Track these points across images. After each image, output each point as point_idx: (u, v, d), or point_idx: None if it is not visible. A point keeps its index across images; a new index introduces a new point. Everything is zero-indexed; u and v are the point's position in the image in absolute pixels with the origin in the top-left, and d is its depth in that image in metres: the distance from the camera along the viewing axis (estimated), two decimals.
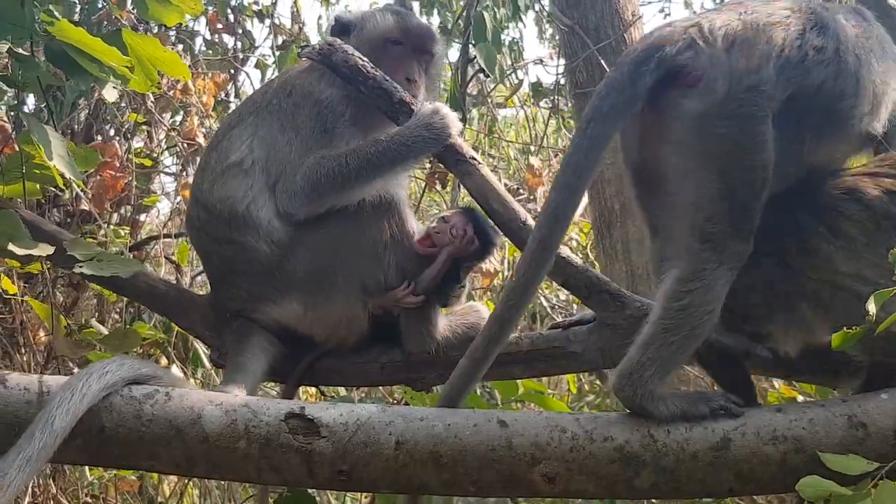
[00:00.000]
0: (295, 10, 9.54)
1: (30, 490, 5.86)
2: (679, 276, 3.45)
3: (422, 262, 4.20)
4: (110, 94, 4.73)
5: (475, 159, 4.06)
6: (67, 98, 7.84)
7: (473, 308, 4.34)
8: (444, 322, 4.23)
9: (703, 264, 3.42)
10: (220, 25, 9.07)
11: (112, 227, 7.53)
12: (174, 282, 5.26)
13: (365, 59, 4.02)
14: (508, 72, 9.01)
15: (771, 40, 3.43)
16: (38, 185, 4.44)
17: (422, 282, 4.19)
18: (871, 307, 3.10)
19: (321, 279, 4.09)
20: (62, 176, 4.08)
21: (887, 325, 3.16)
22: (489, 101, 9.77)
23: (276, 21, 9.26)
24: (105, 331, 4.50)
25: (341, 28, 4.39)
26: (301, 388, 5.04)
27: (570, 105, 8.43)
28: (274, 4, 9.38)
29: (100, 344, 4.40)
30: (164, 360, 6.70)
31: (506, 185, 9.59)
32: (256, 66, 9.06)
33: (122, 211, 7.82)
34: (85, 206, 7.14)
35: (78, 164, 4.25)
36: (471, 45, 7.06)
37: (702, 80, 3.38)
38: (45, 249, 3.84)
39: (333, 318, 4.14)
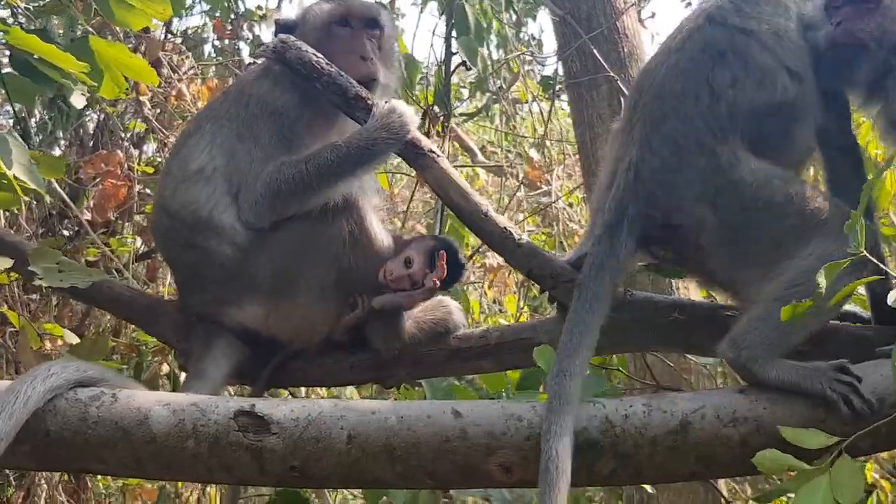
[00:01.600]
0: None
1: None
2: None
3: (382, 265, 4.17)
4: (78, 100, 4.76)
5: (434, 152, 4.04)
6: (73, 109, 7.95)
7: (442, 303, 4.29)
8: (412, 318, 4.18)
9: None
10: (227, 31, 9.10)
11: (119, 236, 7.61)
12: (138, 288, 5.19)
13: (319, 55, 4.01)
14: (500, 64, 8.99)
15: None
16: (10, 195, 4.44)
17: (378, 303, 4.15)
18: (822, 280, 3.04)
19: (283, 281, 4.06)
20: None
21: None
22: (506, 96, 9.78)
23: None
24: (76, 339, 4.48)
25: (284, 30, 4.28)
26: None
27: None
28: (278, 7, 9.36)
29: (69, 354, 4.40)
30: (165, 367, 6.74)
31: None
32: None
33: (134, 219, 7.91)
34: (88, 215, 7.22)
35: (42, 172, 4.24)
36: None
37: None
38: (4, 263, 3.85)
39: (297, 320, 4.11)
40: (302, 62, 3.97)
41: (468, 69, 7.49)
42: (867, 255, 3.05)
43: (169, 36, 9.14)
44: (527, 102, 10.96)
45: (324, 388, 6.46)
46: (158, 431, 3.29)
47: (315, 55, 3.99)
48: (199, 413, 3.31)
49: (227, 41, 9.40)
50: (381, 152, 4.07)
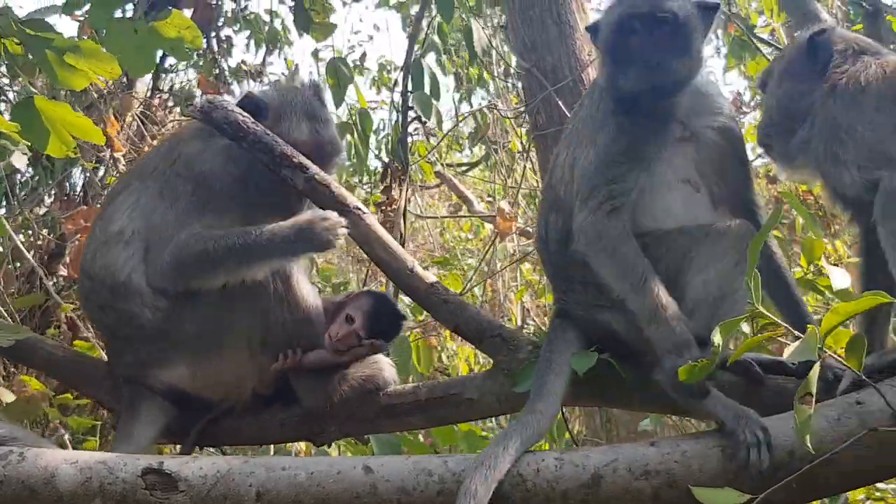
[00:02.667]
0: (287, 67, 9.68)
1: None
2: None
3: (310, 322, 4.18)
4: (19, 160, 4.80)
5: (360, 209, 4.07)
6: (56, 166, 8.03)
7: (373, 359, 4.28)
8: (342, 375, 4.17)
9: None
10: (211, 88, 9.15)
11: None
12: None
13: (246, 115, 4.06)
14: (462, 118, 9.08)
15: None
16: None
17: (310, 359, 4.17)
18: (717, 339, 3.04)
19: (207, 339, 4.07)
20: None
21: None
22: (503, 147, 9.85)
23: (271, 77, 9.28)
24: (11, 397, 4.48)
25: (254, 106, 4.27)
26: None
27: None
28: (263, 63, 9.44)
29: (2, 413, 4.40)
30: None
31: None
32: None
33: None
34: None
35: None
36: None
37: None
38: None
39: (222, 378, 4.12)
40: (228, 122, 4.02)
41: (423, 123, 7.55)
42: (761, 310, 3.06)
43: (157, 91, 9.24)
44: (519, 152, 11.04)
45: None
46: (65, 490, 3.29)
47: (242, 115, 4.04)
48: (106, 471, 3.32)
49: (211, 96, 9.46)
50: (295, 254, 4.08)
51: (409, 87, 7.10)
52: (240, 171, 4.19)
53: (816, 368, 3.02)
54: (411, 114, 7.18)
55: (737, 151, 4.10)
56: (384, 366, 4.25)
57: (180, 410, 4.17)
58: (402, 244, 7.02)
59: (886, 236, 3.61)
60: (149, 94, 9.20)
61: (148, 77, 9.08)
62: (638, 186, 3.81)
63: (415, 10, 7.66)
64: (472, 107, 9.35)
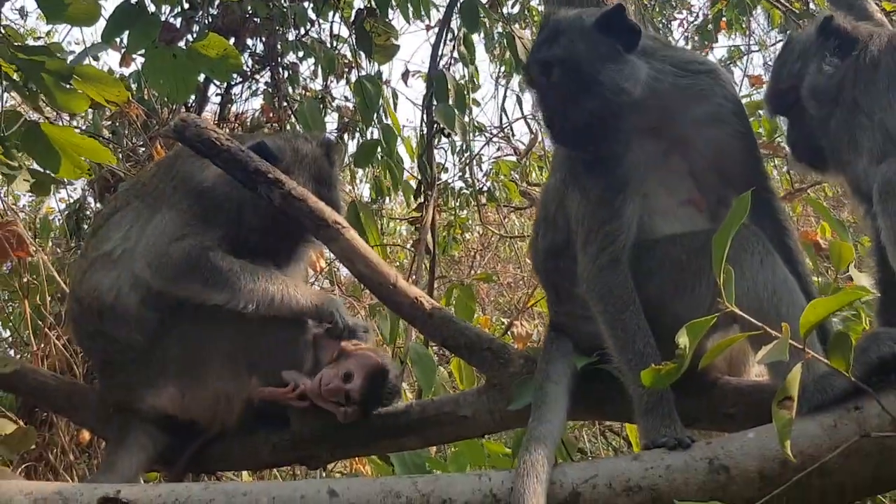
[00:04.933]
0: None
1: None
2: None
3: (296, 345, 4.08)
4: (21, 186, 4.80)
5: (339, 223, 3.93)
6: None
7: None
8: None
9: None
10: (272, 115, 9.12)
11: None
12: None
13: (220, 132, 3.96)
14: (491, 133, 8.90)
15: None
16: None
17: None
18: (682, 340, 2.82)
19: (193, 361, 3.99)
20: None
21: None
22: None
23: (337, 103, 9.21)
24: (11, 427, 4.43)
25: (266, 156, 4.07)
26: None
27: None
28: (326, 88, 9.35)
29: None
30: None
31: None
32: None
33: None
34: None
35: None
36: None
37: None
38: None
39: (210, 400, 4.02)
40: (200, 139, 3.91)
41: (447, 136, 7.41)
42: (734, 308, 2.83)
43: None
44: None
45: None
46: None
47: (215, 131, 3.94)
48: (61, 501, 3.22)
49: (274, 124, 9.46)
50: (296, 314, 4.03)
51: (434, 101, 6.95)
52: (239, 196, 4.11)
53: (798, 370, 2.79)
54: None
55: (738, 134, 3.86)
56: None
57: (171, 437, 4.09)
58: (432, 260, 6.89)
59: (886, 228, 3.36)
60: (216, 124, 9.25)
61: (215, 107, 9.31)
62: (635, 216, 3.68)
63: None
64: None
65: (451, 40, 7.63)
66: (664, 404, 3.43)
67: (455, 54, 7.91)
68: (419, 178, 7.25)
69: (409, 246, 7.49)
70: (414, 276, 6.62)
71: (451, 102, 6.87)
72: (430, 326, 3.92)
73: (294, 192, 3.91)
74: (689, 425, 3.82)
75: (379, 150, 7.00)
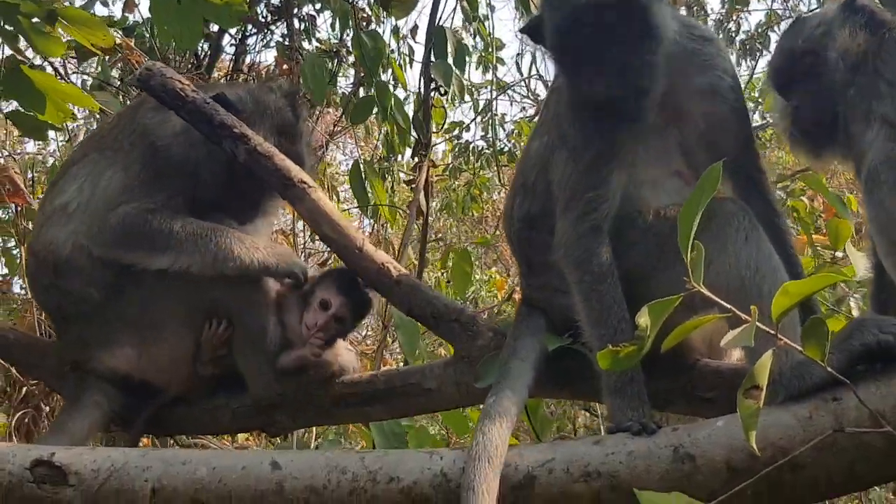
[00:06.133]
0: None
1: None
2: None
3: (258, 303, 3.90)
4: None
5: (305, 182, 3.76)
6: None
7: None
8: (292, 361, 3.88)
9: None
10: (285, 66, 8.96)
11: None
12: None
13: (186, 82, 3.79)
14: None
15: None
16: None
17: (285, 364, 3.91)
18: (642, 321, 2.63)
19: (149, 319, 3.86)
20: None
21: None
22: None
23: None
24: None
25: (224, 105, 3.90)
26: None
27: None
28: (340, 42, 9.14)
29: None
30: None
31: None
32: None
33: None
34: None
35: None
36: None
37: None
38: None
39: (166, 359, 3.89)
40: (165, 89, 3.75)
41: (443, 94, 7.19)
42: (701, 288, 2.63)
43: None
44: None
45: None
46: None
47: (181, 82, 3.77)
48: None
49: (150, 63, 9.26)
50: (246, 271, 3.84)
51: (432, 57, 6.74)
52: (196, 155, 3.96)
53: (768, 356, 2.59)
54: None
55: (733, 110, 3.67)
56: (341, 350, 3.97)
57: (127, 397, 3.95)
58: (425, 221, 6.72)
59: (871, 219, 3.17)
60: (228, 75, 9.13)
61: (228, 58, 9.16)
62: (620, 187, 3.48)
63: None
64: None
65: None
66: (634, 385, 3.26)
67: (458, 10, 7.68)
68: (416, 139, 7.05)
69: (404, 208, 7.30)
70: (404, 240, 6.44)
71: (450, 60, 6.64)
72: (397, 294, 3.77)
73: (259, 149, 3.75)
74: (663, 408, 3.68)
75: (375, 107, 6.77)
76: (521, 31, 3.81)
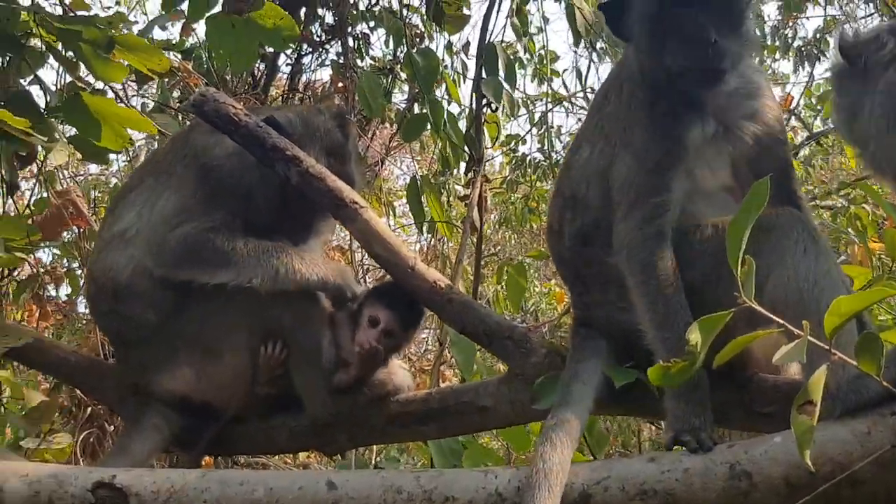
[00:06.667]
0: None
1: None
2: None
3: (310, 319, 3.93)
4: (59, 157, 4.76)
5: (356, 203, 3.79)
6: None
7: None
8: (347, 380, 3.91)
9: None
10: (340, 84, 9.03)
11: None
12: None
13: (239, 106, 3.83)
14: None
15: None
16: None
17: (338, 383, 3.93)
18: (693, 336, 2.61)
19: (208, 342, 3.90)
20: None
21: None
22: None
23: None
24: (39, 397, 4.41)
25: (276, 127, 3.93)
26: None
27: None
28: (395, 59, 9.19)
29: (20, 422, 4.33)
30: None
31: None
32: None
33: None
34: None
35: (6, 233, 4.35)
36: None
37: None
38: None
39: (225, 381, 3.92)
40: (219, 115, 3.79)
41: (493, 110, 7.19)
42: (752, 303, 2.61)
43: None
44: None
45: None
46: None
47: (234, 106, 3.81)
48: (55, 485, 3.15)
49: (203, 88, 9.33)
50: (302, 287, 3.88)
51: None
52: (249, 177, 4.01)
53: (822, 371, 2.57)
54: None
55: (776, 141, 3.71)
56: (395, 369, 3.99)
57: (186, 419, 4.00)
58: (480, 236, 6.72)
59: None
60: (284, 94, 9.23)
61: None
62: (680, 195, 3.50)
63: None
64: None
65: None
66: (698, 392, 3.24)
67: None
68: (469, 155, 7.05)
69: (458, 223, 7.31)
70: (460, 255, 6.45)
71: (500, 76, 6.66)
72: (449, 312, 3.78)
73: (312, 171, 3.78)
74: (720, 423, 3.64)
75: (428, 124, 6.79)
76: (600, 7, 3.86)
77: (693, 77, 3.49)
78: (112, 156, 6.96)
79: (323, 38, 9.09)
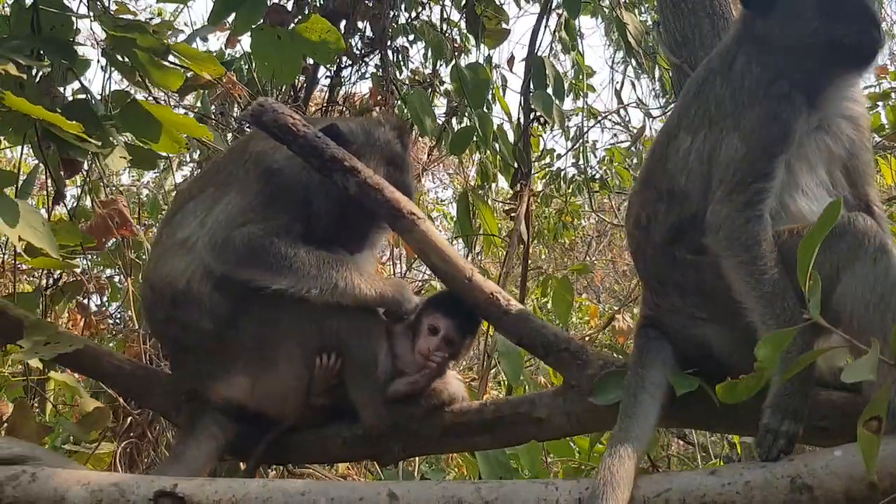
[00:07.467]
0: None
1: None
2: None
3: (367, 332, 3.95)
4: (117, 163, 4.80)
5: (414, 214, 3.82)
6: None
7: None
8: (405, 387, 3.93)
9: None
10: (379, 97, 9.09)
11: None
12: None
13: (297, 117, 3.87)
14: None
15: None
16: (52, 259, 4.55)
17: (394, 393, 3.95)
18: (762, 352, 2.62)
19: (265, 351, 3.91)
20: None
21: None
22: None
23: (445, 87, 9.09)
24: (94, 403, 4.44)
25: (337, 140, 3.97)
26: None
27: None
28: (434, 73, 9.23)
29: (72, 428, 4.36)
30: None
31: None
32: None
33: None
34: None
35: (60, 238, 4.30)
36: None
37: None
38: None
39: (281, 390, 3.94)
40: (277, 125, 3.82)
41: (542, 124, 7.22)
42: (819, 319, 2.62)
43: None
44: None
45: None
46: None
47: (293, 117, 3.85)
48: (117, 494, 3.18)
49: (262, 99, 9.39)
50: (359, 302, 3.91)
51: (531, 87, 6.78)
52: (308, 182, 4.05)
53: (887, 388, 2.58)
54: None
55: (864, 141, 3.72)
56: (450, 379, 4.00)
57: (241, 427, 4.02)
58: (526, 249, 6.74)
59: None
60: (323, 106, 9.29)
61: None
62: (780, 184, 3.48)
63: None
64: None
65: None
66: (806, 385, 3.21)
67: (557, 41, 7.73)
68: (516, 167, 7.08)
69: (503, 235, 7.34)
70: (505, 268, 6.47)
71: (549, 90, 6.68)
72: (506, 323, 3.79)
73: (370, 181, 3.81)
74: None
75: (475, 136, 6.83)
76: None
77: (864, 51, 3.57)
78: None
79: (363, 51, 9.16)
